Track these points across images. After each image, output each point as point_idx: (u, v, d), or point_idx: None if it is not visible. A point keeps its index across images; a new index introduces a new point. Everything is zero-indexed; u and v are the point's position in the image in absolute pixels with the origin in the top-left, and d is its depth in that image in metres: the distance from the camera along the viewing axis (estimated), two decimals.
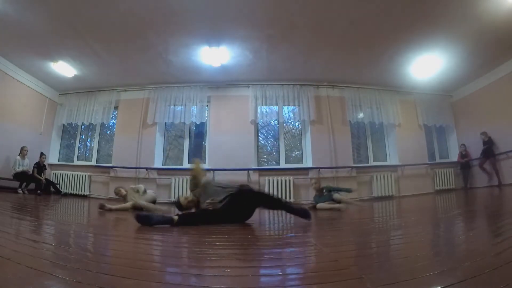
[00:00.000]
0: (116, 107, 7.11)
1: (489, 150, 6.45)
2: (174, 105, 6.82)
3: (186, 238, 1.92)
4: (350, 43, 5.29)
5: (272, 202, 2.66)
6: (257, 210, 2.72)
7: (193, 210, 2.79)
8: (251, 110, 6.61)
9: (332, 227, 2.54)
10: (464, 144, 7.12)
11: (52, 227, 2.09)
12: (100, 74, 6.46)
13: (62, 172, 6.78)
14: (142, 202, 3.91)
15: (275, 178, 6.10)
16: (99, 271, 1.04)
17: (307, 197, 6.16)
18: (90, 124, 7.14)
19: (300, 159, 6.87)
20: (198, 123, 6.78)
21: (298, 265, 1.23)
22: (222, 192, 2.59)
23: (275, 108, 6.80)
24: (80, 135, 7.48)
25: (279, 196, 5.52)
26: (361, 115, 7.04)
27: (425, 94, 7.35)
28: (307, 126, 6.74)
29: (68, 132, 7.61)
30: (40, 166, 6.29)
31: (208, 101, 6.88)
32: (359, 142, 7.20)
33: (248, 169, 6.24)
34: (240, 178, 6.17)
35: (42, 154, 6.45)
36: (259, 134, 7.06)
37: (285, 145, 6.92)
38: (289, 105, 6.87)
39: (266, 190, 5.87)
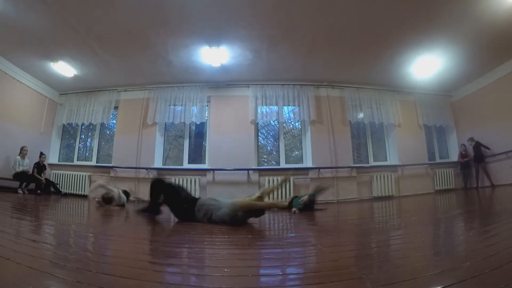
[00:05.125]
0: (116, 107, 7.11)
1: (478, 156, 6.63)
2: (174, 105, 6.82)
3: (186, 238, 1.92)
4: (350, 43, 5.28)
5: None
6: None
7: None
8: (251, 110, 6.61)
9: (332, 227, 2.54)
10: (464, 144, 7.13)
11: (52, 227, 2.09)
12: (100, 74, 6.45)
13: (62, 172, 6.78)
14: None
15: (275, 178, 6.10)
16: (99, 271, 1.04)
17: None
18: (90, 124, 7.13)
19: (300, 159, 6.87)
20: (198, 123, 6.78)
21: (298, 265, 1.23)
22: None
23: (275, 108, 6.79)
24: (80, 135, 7.48)
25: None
26: (361, 115, 7.04)
27: (425, 94, 7.35)
28: (307, 126, 6.74)
29: (68, 132, 7.61)
30: (40, 166, 6.29)
31: (208, 101, 6.88)
32: (359, 142, 7.19)
33: (248, 169, 6.24)
34: (240, 178, 6.18)
35: (42, 154, 6.45)
36: (259, 134, 7.06)
37: (285, 145, 6.92)
38: (289, 105, 6.87)
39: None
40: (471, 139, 6.82)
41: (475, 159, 6.71)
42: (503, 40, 5.11)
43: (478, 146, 6.69)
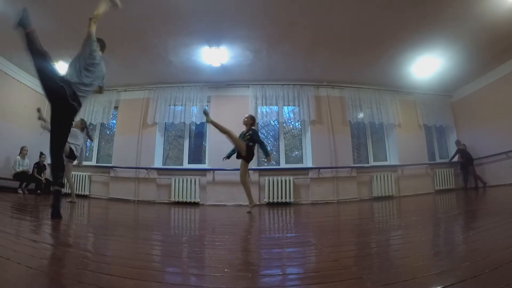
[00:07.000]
0: (116, 107, 7.10)
1: (468, 159, 6.80)
2: (174, 105, 6.82)
3: (186, 238, 1.92)
4: (350, 43, 5.28)
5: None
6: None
7: None
8: (251, 110, 6.60)
9: (332, 227, 2.54)
10: (464, 144, 7.13)
11: (52, 227, 2.09)
12: None
13: None
14: None
15: (275, 178, 6.10)
16: (99, 271, 1.04)
17: (307, 197, 6.16)
18: (90, 124, 7.12)
19: (300, 159, 6.87)
20: (198, 123, 6.77)
21: (298, 265, 1.23)
22: None
23: (275, 108, 6.79)
24: None
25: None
26: (361, 115, 7.03)
27: (425, 94, 7.35)
28: (307, 126, 6.74)
29: None
30: (40, 166, 6.29)
31: (208, 101, 6.88)
32: (359, 142, 7.19)
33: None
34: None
35: (42, 154, 6.45)
36: (259, 134, 7.04)
37: (285, 145, 6.92)
38: (289, 105, 6.86)
39: None
40: (457, 142, 7.03)
41: (468, 162, 6.83)
42: (503, 40, 5.11)
43: (466, 150, 6.87)
